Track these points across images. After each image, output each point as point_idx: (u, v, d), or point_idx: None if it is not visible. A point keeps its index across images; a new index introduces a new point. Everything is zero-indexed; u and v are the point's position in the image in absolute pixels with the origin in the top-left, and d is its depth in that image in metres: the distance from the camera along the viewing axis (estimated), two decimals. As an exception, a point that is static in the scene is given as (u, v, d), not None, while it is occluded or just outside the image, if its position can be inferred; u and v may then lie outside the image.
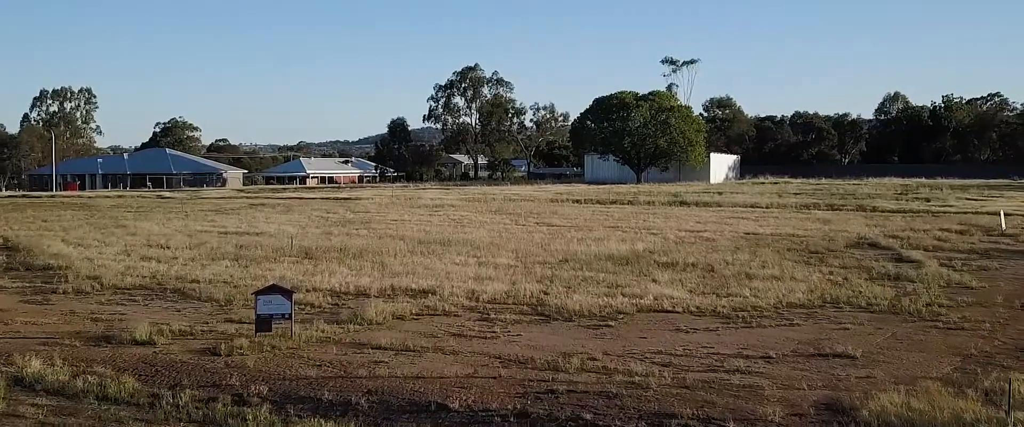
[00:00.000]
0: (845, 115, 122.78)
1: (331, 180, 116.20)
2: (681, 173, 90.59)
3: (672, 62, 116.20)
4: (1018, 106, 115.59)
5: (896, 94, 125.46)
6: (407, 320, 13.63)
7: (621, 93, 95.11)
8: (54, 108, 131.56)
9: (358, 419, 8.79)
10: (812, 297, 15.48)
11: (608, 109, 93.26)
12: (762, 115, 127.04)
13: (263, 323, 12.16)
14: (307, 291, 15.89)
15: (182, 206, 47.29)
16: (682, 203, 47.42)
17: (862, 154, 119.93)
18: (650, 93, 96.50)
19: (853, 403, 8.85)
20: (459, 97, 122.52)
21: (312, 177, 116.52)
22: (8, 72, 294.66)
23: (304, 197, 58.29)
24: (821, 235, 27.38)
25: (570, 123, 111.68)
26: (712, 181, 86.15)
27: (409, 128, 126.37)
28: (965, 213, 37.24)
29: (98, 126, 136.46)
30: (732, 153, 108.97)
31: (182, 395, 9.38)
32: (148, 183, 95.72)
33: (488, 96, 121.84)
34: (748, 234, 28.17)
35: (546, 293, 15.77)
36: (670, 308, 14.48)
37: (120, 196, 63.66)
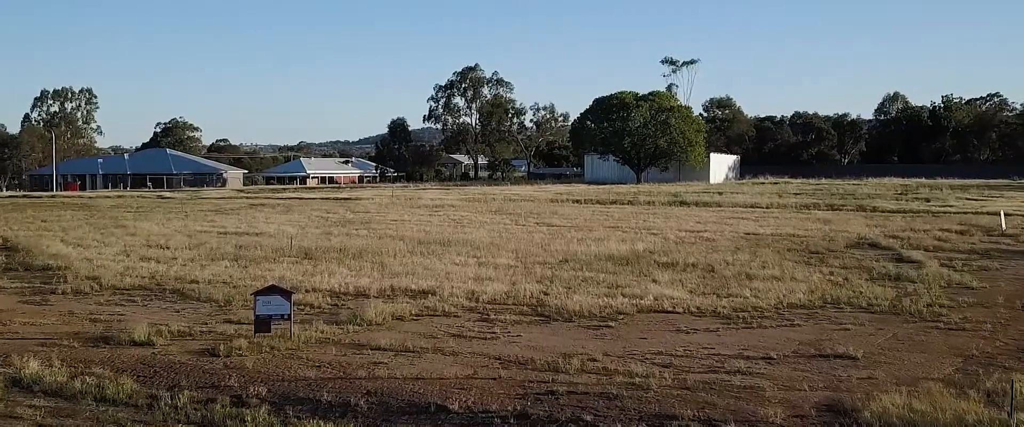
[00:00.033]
0: (845, 115, 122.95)
1: (331, 180, 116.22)
2: (681, 173, 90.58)
3: (672, 62, 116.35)
4: (1017, 106, 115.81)
5: (896, 94, 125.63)
6: (407, 321, 13.59)
7: (621, 93, 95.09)
8: (55, 108, 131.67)
9: (357, 420, 8.75)
10: (813, 298, 15.44)
11: (608, 109, 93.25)
12: (762, 115, 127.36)
13: (262, 324, 12.13)
14: (306, 292, 15.85)
15: (182, 206, 47.25)
16: (682, 203, 47.39)
17: (862, 154, 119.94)
18: (650, 93, 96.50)
19: (855, 404, 8.81)
20: (459, 97, 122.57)
21: (312, 177, 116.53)
22: (9, 72, 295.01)
23: (304, 197, 58.25)
24: (821, 235, 27.34)
25: (570, 123, 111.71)
26: (712, 181, 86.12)
27: (409, 128, 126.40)
28: (965, 213, 37.21)
29: (99, 126, 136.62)
30: (732, 153, 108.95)
31: (180, 396, 9.34)
32: (148, 183, 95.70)
33: (488, 96, 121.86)
34: (748, 234, 28.13)
35: (546, 293, 15.73)
36: (670, 309, 14.44)
37: (120, 196, 63.63)
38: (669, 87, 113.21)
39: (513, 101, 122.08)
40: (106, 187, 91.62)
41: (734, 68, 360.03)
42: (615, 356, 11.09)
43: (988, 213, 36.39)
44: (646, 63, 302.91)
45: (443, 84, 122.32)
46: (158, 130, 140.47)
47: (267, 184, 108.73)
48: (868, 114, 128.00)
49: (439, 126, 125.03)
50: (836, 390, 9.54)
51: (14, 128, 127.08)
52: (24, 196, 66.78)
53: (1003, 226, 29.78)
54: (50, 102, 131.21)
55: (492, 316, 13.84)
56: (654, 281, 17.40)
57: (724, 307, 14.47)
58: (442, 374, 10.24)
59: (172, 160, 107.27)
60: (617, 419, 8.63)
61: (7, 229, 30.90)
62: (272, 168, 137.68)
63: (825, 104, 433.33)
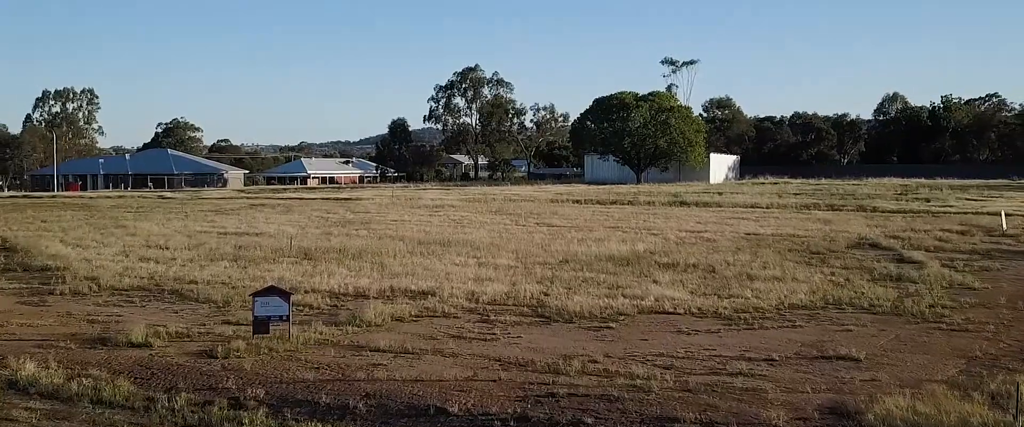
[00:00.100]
0: (844, 115, 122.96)
1: (332, 180, 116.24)
2: (681, 173, 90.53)
3: (672, 62, 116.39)
4: (1016, 106, 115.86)
5: (895, 94, 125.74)
6: (406, 322, 13.52)
7: (621, 93, 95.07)
8: (57, 109, 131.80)
9: (356, 423, 8.69)
10: (814, 298, 15.37)
11: (608, 109, 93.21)
12: (762, 115, 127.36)
13: (261, 325, 12.06)
14: (305, 292, 15.78)
15: (182, 206, 47.19)
16: (682, 203, 47.32)
17: (861, 154, 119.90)
18: (650, 93, 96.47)
19: (858, 407, 8.74)
20: (459, 98, 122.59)
21: (313, 177, 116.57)
22: (11, 73, 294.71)
23: (304, 197, 58.20)
24: (822, 235, 27.28)
25: (570, 123, 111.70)
26: (712, 181, 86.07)
27: (410, 128, 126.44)
28: (965, 213, 37.14)
29: (100, 126, 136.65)
30: (732, 153, 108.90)
31: (178, 398, 9.27)
32: (149, 183, 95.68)
33: (488, 97, 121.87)
34: (749, 234, 28.07)
35: (546, 294, 15.66)
36: (671, 309, 14.37)
37: (121, 196, 63.59)
38: (669, 87, 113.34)
39: (513, 101, 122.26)
40: (107, 187, 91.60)
41: (734, 68, 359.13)
42: (616, 358, 11.02)
43: (988, 213, 36.32)
44: (646, 63, 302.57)
45: (443, 84, 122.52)
46: (159, 130, 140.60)
47: (268, 184, 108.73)
48: (868, 114, 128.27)
49: (439, 126, 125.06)
50: (839, 392, 9.46)
51: (16, 128, 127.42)
52: (25, 196, 66.73)
53: (1004, 226, 29.71)
54: (52, 102, 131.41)
55: (492, 317, 13.77)
56: (655, 282, 17.32)
57: (725, 308, 14.40)
58: (442, 376, 10.17)
59: (173, 160, 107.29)
60: (618, 422, 8.56)
61: (6, 229, 30.83)
62: (273, 168, 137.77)
63: (825, 104, 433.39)
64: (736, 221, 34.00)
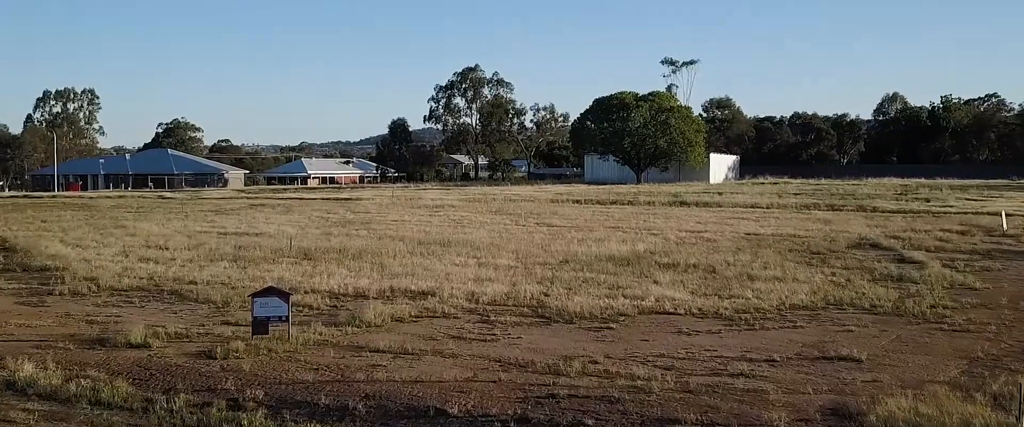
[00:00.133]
0: (844, 115, 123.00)
1: (332, 180, 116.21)
2: (681, 173, 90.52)
3: (672, 63, 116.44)
4: (1016, 107, 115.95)
5: (895, 95, 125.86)
6: (406, 322, 13.48)
7: (621, 93, 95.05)
8: (57, 109, 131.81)
9: (355, 424, 8.64)
10: (815, 299, 15.33)
11: (608, 109, 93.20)
12: (761, 115, 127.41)
13: (260, 326, 12.02)
14: (305, 293, 15.74)
15: (182, 207, 47.16)
16: (682, 203, 47.29)
17: (861, 154, 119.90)
18: (650, 93, 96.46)
19: (860, 408, 8.69)
20: (460, 98, 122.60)
21: (313, 177, 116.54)
22: (11, 73, 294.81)
23: (304, 197, 58.16)
24: (822, 236, 27.24)
25: (570, 123, 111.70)
26: (712, 181, 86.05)
27: (410, 128, 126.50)
28: (965, 213, 37.09)
29: (101, 127, 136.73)
30: (732, 153, 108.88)
31: (176, 400, 9.22)
32: (150, 183, 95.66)
33: (488, 97, 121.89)
34: (749, 235, 28.03)
35: (546, 295, 15.61)
36: (672, 310, 14.32)
37: (121, 196, 63.56)
38: (669, 87, 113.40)
39: (513, 101, 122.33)
40: (107, 187, 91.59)
41: (734, 68, 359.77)
42: (616, 358, 10.98)
43: (988, 213, 36.28)
44: (646, 63, 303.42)
45: (443, 84, 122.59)
46: (160, 130, 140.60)
47: (268, 184, 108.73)
48: (867, 114, 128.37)
49: (439, 126, 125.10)
50: (841, 393, 9.42)
51: (16, 128, 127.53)
52: (25, 196, 66.70)
53: (1004, 226, 29.67)
54: (52, 103, 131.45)
55: (492, 317, 13.72)
56: (655, 282, 17.28)
57: (726, 308, 14.36)
58: (441, 377, 10.13)
59: (173, 160, 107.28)
60: (619, 423, 8.52)
61: (6, 229, 30.79)
62: (273, 168, 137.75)
63: (824, 104, 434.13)
64: (736, 221, 33.96)
